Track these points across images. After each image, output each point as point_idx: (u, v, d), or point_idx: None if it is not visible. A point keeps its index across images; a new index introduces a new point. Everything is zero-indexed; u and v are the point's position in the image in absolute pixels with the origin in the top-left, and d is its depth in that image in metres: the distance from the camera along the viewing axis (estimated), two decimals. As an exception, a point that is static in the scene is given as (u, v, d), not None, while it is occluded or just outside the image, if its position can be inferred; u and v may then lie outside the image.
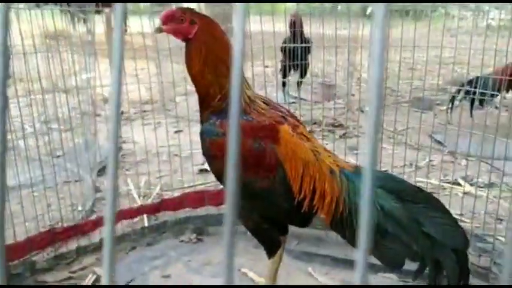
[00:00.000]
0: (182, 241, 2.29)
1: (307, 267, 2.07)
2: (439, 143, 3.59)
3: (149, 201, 2.69)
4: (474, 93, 3.83)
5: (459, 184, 2.87)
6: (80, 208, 2.59)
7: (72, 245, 2.15)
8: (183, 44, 1.61)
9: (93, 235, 2.19)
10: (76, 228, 2.14)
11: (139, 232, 2.29)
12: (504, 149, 2.95)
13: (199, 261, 2.12)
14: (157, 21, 1.60)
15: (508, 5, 5.44)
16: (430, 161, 3.15)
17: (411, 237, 1.41)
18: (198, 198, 2.33)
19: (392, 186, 1.44)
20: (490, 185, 2.81)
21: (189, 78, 1.66)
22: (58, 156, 2.79)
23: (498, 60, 3.84)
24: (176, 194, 2.59)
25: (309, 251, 2.15)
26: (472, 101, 3.96)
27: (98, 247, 2.19)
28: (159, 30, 1.58)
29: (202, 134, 1.62)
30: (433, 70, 4.25)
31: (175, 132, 3.57)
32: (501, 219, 2.37)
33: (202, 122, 1.66)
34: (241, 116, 1.54)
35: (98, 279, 2.01)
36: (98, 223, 2.17)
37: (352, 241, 1.52)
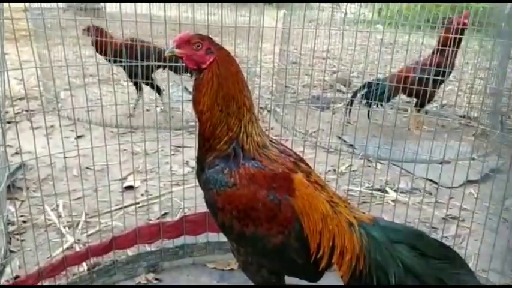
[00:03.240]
0: (139, 283, 2.04)
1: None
2: (350, 145, 3.77)
3: (78, 233, 2.36)
4: (371, 95, 4.11)
5: (386, 191, 3.06)
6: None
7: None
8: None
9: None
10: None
11: (85, 278, 1.98)
12: (410, 150, 3.24)
13: (167, 307, 1.92)
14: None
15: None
16: (350, 165, 3.31)
17: None
18: (153, 232, 2.10)
19: (413, 241, 1.42)
20: (411, 192, 3.07)
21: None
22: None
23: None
24: (117, 224, 2.29)
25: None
26: (369, 104, 4.21)
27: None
28: (172, 52, 1.43)
29: (208, 183, 1.44)
30: (314, 64, 4.42)
31: (76, 138, 3.16)
32: (436, 228, 2.59)
33: (203, 165, 1.48)
34: (252, 163, 1.41)
35: None
36: (40, 275, 1.82)
37: None
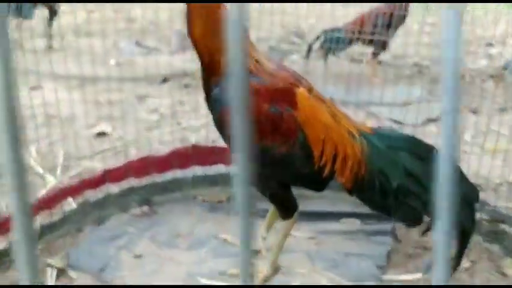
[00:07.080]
0: (134, 215, 2.06)
1: (276, 226, 2.10)
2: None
3: (58, 175, 2.32)
4: (328, 43, 4.23)
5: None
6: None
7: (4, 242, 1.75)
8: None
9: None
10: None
11: (80, 211, 1.98)
12: (374, 95, 3.41)
13: (166, 234, 1.95)
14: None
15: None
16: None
17: (431, 194, 1.50)
18: (143, 166, 2.11)
19: (411, 146, 1.52)
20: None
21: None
22: None
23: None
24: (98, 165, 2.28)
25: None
26: (327, 51, 4.32)
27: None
28: None
29: (214, 101, 1.48)
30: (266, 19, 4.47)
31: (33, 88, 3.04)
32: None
33: (208, 88, 1.52)
34: (254, 77, 1.46)
35: (61, 270, 1.71)
36: (36, 209, 1.80)
37: (370, 204, 1.58)
